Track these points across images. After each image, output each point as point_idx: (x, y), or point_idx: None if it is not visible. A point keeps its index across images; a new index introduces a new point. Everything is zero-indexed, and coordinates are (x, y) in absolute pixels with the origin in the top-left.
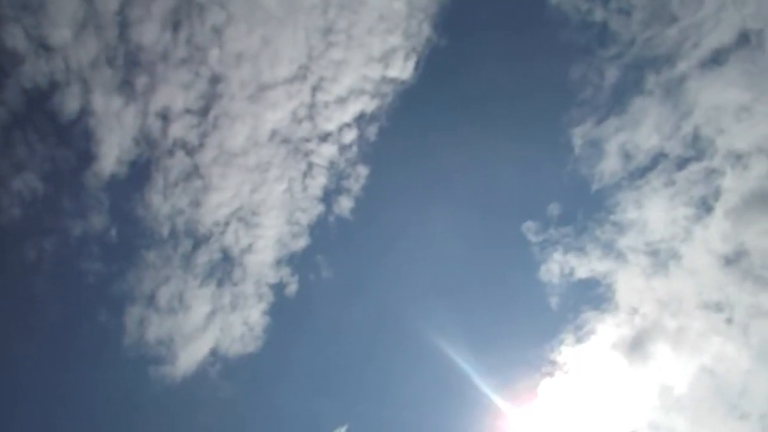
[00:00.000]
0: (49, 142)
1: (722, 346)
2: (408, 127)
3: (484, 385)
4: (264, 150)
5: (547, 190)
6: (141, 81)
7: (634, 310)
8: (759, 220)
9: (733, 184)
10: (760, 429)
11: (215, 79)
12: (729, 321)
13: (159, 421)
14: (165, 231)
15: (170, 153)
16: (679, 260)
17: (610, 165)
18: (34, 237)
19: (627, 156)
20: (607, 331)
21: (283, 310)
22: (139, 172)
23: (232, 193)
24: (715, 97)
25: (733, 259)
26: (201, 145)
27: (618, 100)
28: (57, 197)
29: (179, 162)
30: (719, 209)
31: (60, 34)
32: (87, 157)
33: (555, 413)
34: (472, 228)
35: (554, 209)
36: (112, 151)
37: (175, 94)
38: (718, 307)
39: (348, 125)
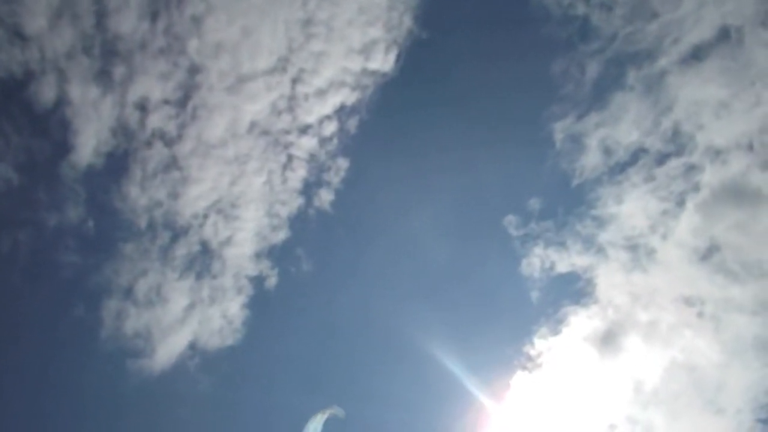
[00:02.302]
0: (24, 132)
1: (695, 340)
2: (389, 120)
3: (463, 377)
4: (243, 142)
5: (528, 184)
6: (118, 71)
7: (614, 305)
8: (730, 215)
9: (712, 180)
10: (735, 424)
11: (194, 70)
12: (701, 315)
13: (137, 415)
14: (143, 223)
15: (148, 144)
16: (655, 255)
17: (591, 160)
18: (9, 228)
19: (607, 151)
20: (586, 325)
21: (262, 303)
22: (117, 163)
23: (210, 185)
24: (695, 92)
25: (706, 254)
26: (179, 136)
27: (599, 95)
28: (32, 188)
29: (157, 153)
30: (690, 204)
31: (35, 22)
32: (63, 147)
33: (533, 406)
34: (454, 221)
35: (535, 203)
36: (89, 142)
37: (153, 84)
38: (690, 302)
39: (328, 117)
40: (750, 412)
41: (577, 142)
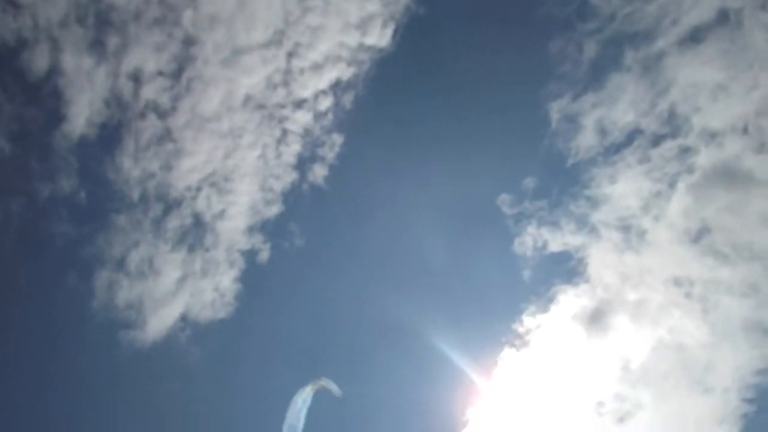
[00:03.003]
0: (16, 101)
1: (684, 320)
2: (384, 95)
3: (453, 354)
4: (237, 115)
5: (523, 163)
6: (112, 41)
7: (605, 284)
8: (721, 197)
9: (706, 162)
10: (722, 403)
11: (189, 42)
12: (690, 296)
13: (128, 386)
14: (135, 195)
15: (142, 116)
16: (647, 235)
17: (586, 140)
18: (1, 198)
19: (603, 132)
20: (577, 304)
21: (254, 277)
22: (110, 134)
23: (204, 158)
24: (693, 74)
25: (697, 236)
26: (173, 108)
27: (596, 76)
28: (25, 158)
29: (151, 125)
30: (683, 186)
31: None
32: (56, 117)
33: (522, 383)
34: (448, 199)
35: (530, 183)
36: (82, 112)
37: (147, 55)
38: (679, 282)
39: (324, 92)
40: (736, 391)
41: (572, 122)
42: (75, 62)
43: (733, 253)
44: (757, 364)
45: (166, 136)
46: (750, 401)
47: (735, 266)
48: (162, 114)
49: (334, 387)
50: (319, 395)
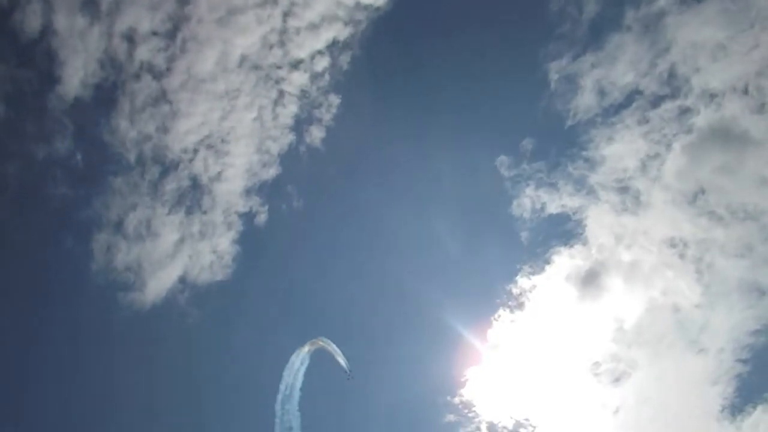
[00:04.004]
0: (9, 62)
1: (679, 281)
2: (382, 56)
3: (452, 315)
4: (233, 76)
5: (522, 124)
6: (105, 0)
7: (603, 246)
8: (717, 158)
9: (705, 123)
10: (716, 363)
11: (183, 1)
12: (695, 258)
13: (128, 347)
14: (132, 157)
15: (136, 77)
16: (645, 197)
17: (585, 101)
18: None
19: (602, 92)
20: (574, 265)
21: (252, 239)
22: (105, 95)
23: (200, 120)
24: (693, 34)
25: (693, 197)
26: (168, 69)
27: (596, 35)
28: (19, 120)
29: (146, 86)
30: (681, 147)
31: None
32: (50, 79)
33: (521, 344)
34: (445, 161)
35: (528, 144)
36: (76, 74)
37: (141, 15)
38: (674, 243)
39: (320, 53)
40: (731, 352)
41: (572, 82)
42: (68, 22)
43: (728, 213)
44: (752, 325)
45: (161, 97)
46: (744, 361)
47: (730, 227)
48: (157, 75)
49: (332, 347)
50: (318, 356)
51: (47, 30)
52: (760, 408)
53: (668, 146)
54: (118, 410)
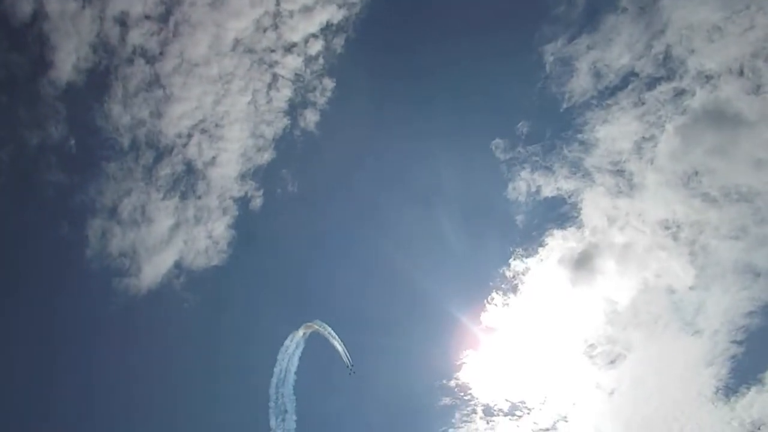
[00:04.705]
0: (0, 47)
1: (672, 263)
2: (376, 39)
3: (447, 299)
4: (227, 60)
5: (517, 107)
6: None
7: (598, 228)
8: (711, 139)
9: (700, 105)
10: (711, 344)
11: None
12: (688, 240)
13: (124, 333)
14: (126, 142)
15: (129, 61)
16: (640, 179)
17: (581, 83)
18: None
19: (597, 75)
20: (570, 248)
21: (248, 223)
22: (98, 80)
23: (194, 105)
24: (689, 16)
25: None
26: (161, 53)
27: (591, 17)
28: (12, 106)
29: (139, 71)
30: (676, 129)
31: None
32: (42, 63)
33: (517, 327)
34: (441, 144)
35: (523, 127)
36: (69, 58)
37: None
38: (667, 225)
39: (314, 36)
40: (725, 333)
41: (567, 65)
42: (59, 6)
43: (722, 195)
44: (747, 306)
45: (154, 82)
46: (739, 343)
47: (723, 209)
48: (150, 59)
49: (328, 330)
50: (314, 340)
51: (39, 14)
52: (754, 389)
53: (662, 128)
54: (113, 395)
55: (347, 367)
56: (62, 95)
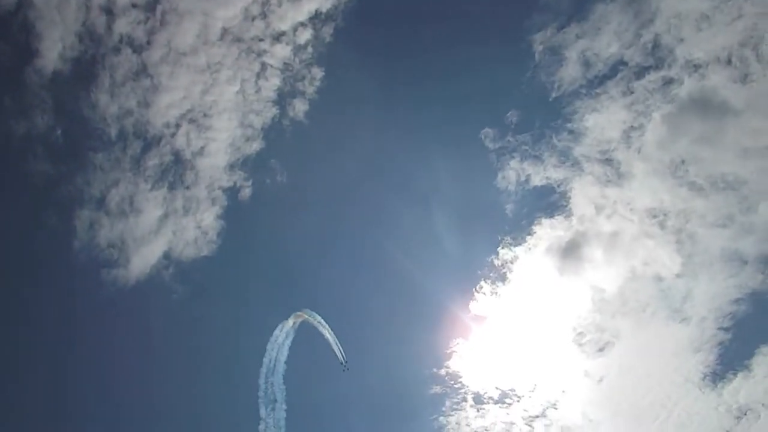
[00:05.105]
0: None
1: (660, 251)
2: (365, 28)
3: (436, 288)
4: (215, 49)
5: (507, 96)
6: None
7: (587, 217)
8: (698, 128)
9: (688, 94)
10: (698, 331)
11: None
12: (672, 228)
13: (113, 324)
14: (113, 132)
15: (116, 50)
16: (629, 167)
17: (570, 72)
18: None
19: (587, 64)
20: (558, 237)
21: (237, 214)
22: (84, 69)
23: (182, 94)
24: (677, 5)
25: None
26: (149, 42)
27: (580, 5)
28: None
29: (126, 60)
30: (664, 117)
31: None
32: (27, 52)
33: (506, 315)
34: (430, 134)
35: (513, 116)
36: (55, 47)
37: None
38: (654, 213)
39: (303, 25)
40: (713, 320)
41: (556, 54)
42: None
43: (708, 184)
44: (734, 294)
45: (142, 71)
46: (726, 330)
47: (710, 197)
48: (137, 48)
49: (318, 320)
50: (304, 330)
51: (24, 2)
52: (740, 375)
53: (649, 117)
54: (102, 386)
55: (341, 363)
56: (48, 84)
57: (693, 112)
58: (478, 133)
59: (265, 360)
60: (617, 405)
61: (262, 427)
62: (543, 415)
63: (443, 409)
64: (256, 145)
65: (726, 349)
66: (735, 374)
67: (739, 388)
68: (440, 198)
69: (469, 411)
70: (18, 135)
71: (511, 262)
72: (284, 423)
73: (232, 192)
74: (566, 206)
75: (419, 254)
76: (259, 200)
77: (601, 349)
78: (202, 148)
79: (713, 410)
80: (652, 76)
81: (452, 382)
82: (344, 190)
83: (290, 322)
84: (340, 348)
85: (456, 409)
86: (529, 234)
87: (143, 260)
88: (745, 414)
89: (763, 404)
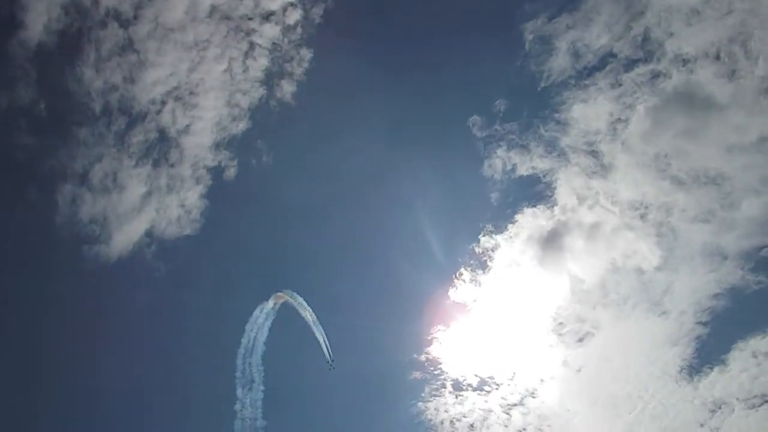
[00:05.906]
0: None
1: (640, 243)
2: (355, 10)
3: (418, 275)
4: (203, 26)
5: (495, 85)
6: None
7: (571, 208)
8: (682, 122)
9: (675, 88)
10: (677, 325)
11: None
12: (656, 221)
13: (93, 300)
14: (98, 107)
15: (103, 24)
16: (613, 159)
17: (559, 63)
18: None
19: (576, 54)
20: (542, 226)
21: (221, 193)
22: (70, 42)
23: (168, 71)
24: None
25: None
26: (135, 17)
27: None
28: None
29: (112, 34)
30: (651, 110)
31: None
32: (12, 24)
33: (487, 304)
34: (417, 119)
35: (501, 105)
36: (40, 19)
37: None
38: (635, 205)
39: (292, 5)
40: (692, 314)
41: (546, 43)
42: None
43: (690, 178)
44: (713, 288)
45: (128, 46)
46: (704, 324)
47: (691, 191)
48: (124, 23)
49: (299, 301)
50: (285, 313)
51: None
52: (716, 369)
53: (634, 109)
54: (80, 363)
55: (327, 362)
56: (33, 57)
57: (678, 106)
58: (466, 120)
59: (244, 340)
60: (595, 395)
61: (238, 407)
62: (521, 403)
63: (422, 394)
64: (242, 125)
65: (703, 343)
66: (711, 368)
67: (715, 382)
68: (425, 185)
69: (448, 397)
70: (1, 107)
71: (492, 250)
72: (261, 404)
73: (216, 171)
74: (551, 196)
75: (401, 240)
76: (244, 180)
77: (580, 340)
78: (188, 126)
79: (689, 403)
80: (641, 69)
81: (432, 369)
82: (329, 174)
83: (270, 303)
84: (328, 346)
85: (435, 395)
86: (511, 222)
87: (125, 237)
88: (720, 408)
89: (737, 398)
